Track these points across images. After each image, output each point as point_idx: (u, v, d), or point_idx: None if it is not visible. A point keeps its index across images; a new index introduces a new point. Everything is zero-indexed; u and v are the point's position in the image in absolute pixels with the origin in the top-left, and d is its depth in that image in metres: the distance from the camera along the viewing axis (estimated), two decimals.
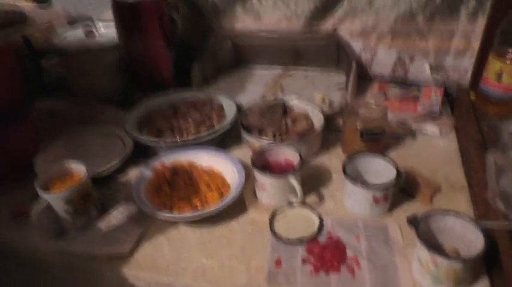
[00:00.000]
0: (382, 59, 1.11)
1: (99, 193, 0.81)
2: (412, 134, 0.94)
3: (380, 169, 0.75)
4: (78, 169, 0.76)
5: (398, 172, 0.72)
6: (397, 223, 0.71)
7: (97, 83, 1.12)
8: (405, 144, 0.92)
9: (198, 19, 1.24)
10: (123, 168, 0.88)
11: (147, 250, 0.71)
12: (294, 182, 0.72)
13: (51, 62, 1.19)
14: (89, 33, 1.14)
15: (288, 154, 0.79)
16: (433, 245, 0.63)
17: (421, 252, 0.59)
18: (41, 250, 0.73)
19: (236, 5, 1.20)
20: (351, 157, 0.76)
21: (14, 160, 0.87)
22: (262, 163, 0.79)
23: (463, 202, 0.75)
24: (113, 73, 1.11)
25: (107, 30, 1.15)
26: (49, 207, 0.72)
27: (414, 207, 0.75)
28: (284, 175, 0.73)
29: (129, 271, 0.68)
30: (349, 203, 0.75)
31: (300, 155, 0.76)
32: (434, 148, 0.91)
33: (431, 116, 0.98)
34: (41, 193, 0.71)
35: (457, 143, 0.91)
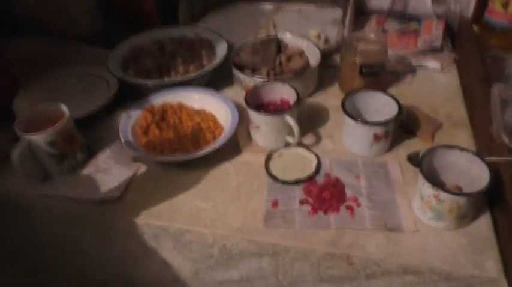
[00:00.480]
0: None
1: (85, 135, 0.76)
2: (413, 70, 0.90)
3: (380, 106, 0.72)
4: (60, 110, 0.71)
5: (400, 108, 0.68)
6: (397, 161, 0.69)
7: (73, 20, 1.03)
8: (405, 81, 0.88)
9: None
10: (109, 110, 0.83)
11: (138, 194, 0.68)
12: (290, 121, 0.68)
13: None
14: None
15: (283, 92, 0.75)
16: (436, 182, 0.61)
17: (424, 188, 0.57)
18: (25, 195, 0.70)
19: None
20: (349, 93, 0.72)
21: None
22: (257, 102, 0.75)
23: (465, 138, 0.73)
24: (89, 8, 1.03)
25: None
26: (30, 149, 0.68)
27: (415, 144, 0.72)
28: (280, 113, 0.69)
29: (120, 215, 0.65)
30: (348, 142, 0.71)
31: (297, 93, 0.71)
32: (436, 83, 0.87)
33: (432, 51, 0.93)
34: (20, 133, 0.67)
35: (459, 78, 0.88)
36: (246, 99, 0.71)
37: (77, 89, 0.89)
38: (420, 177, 0.57)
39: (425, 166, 0.59)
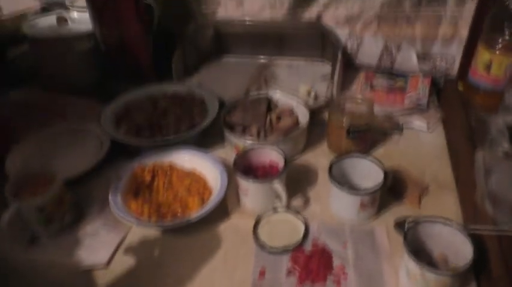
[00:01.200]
0: (369, 48, 1.07)
1: (74, 194, 0.77)
2: (399, 129, 0.92)
3: (367, 171, 0.73)
4: (51, 173, 0.72)
5: (386, 174, 0.69)
6: (384, 227, 0.70)
7: (70, 74, 1.06)
8: (392, 140, 0.90)
9: (179, 4, 1.17)
10: (100, 167, 0.84)
11: (124, 259, 0.68)
12: (278, 187, 0.69)
13: (22, 50, 1.12)
14: (62, 21, 1.07)
15: (272, 155, 0.76)
16: (421, 251, 0.61)
17: (409, 263, 0.57)
18: (11, 258, 0.69)
19: None
20: (336, 158, 0.73)
21: None
22: (245, 165, 0.76)
23: (451, 203, 0.74)
24: (86, 63, 1.06)
25: (80, 17, 1.08)
26: (20, 215, 0.68)
27: (402, 209, 0.73)
28: (268, 179, 0.70)
29: (105, 282, 0.65)
30: (335, 207, 0.72)
31: (285, 158, 0.73)
32: (422, 143, 0.89)
33: (418, 109, 0.95)
34: (10, 198, 0.67)
35: (445, 137, 0.89)
36: (234, 164, 0.72)
37: (70, 145, 0.90)
38: (405, 251, 0.57)
39: (411, 237, 0.59)
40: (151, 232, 0.72)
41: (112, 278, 0.65)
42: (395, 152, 0.86)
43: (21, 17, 1.09)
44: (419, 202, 0.73)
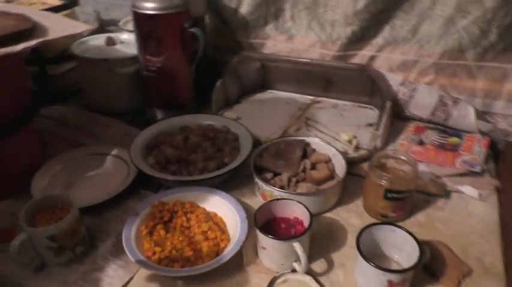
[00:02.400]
0: (422, 99, 0.99)
1: (90, 223, 0.76)
2: (446, 193, 0.82)
3: (401, 243, 0.65)
4: (68, 203, 0.70)
5: (422, 252, 0.61)
6: None
7: (110, 95, 1.07)
8: (436, 205, 0.81)
9: (226, 34, 1.16)
10: (122, 196, 0.81)
11: None
12: (298, 249, 0.63)
13: (70, 66, 1.14)
14: (110, 42, 1.08)
15: (297, 212, 0.70)
16: None
17: None
18: (18, 282, 0.68)
19: (267, 22, 1.12)
20: (367, 226, 0.66)
21: (12, 172, 0.82)
22: (268, 217, 0.71)
23: None
24: (128, 86, 1.06)
25: (129, 39, 1.09)
26: (30, 241, 0.66)
27: None
28: (288, 239, 0.64)
29: None
30: (359, 279, 0.65)
31: (311, 217, 0.67)
32: (471, 214, 0.79)
33: (471, 174, 0.85)
34: (23, 225, 0.66)
35: (499, 211, 0.79)
36: (255, 217, 0.67)
37: (98, 168, 0.89)
38: None
39: None
40: (160, 275, 0.68)
41: None
42: (438, 220, 0.77)
43: (75, 36, 1.11)
44: (458, 286, 0.64)
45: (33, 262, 0.69)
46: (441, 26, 0.95)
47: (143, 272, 0.68)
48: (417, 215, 0.78)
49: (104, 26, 1.33)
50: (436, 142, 0.94)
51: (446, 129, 0.98)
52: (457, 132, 0.96)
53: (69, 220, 0.67)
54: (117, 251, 0.72)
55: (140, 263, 0.65)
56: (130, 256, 0.66)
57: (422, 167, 0.87)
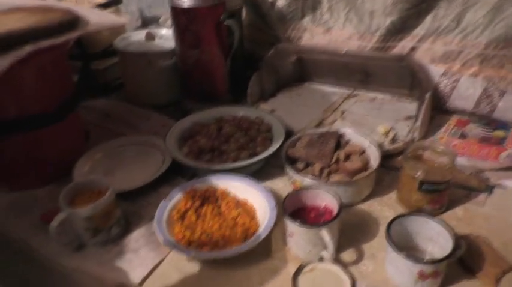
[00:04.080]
0: (465, 90, 0.95)
1: (126, 207, 0.79)
2: (488, 188, 0.78)
3: (434, 235, 0.62)
4: (104, 185, 0.73)
5: (456, 244, 0.59)
6: None
7: (150, 88, 1.10)
8: (477, 200, 0.77)
9: (263, 27, 1.16)
10: (157, 184, 0.84)
11: (158, 282, 0.66)
12: (325, 236, 0.62)
13: (114, 61, 1.19)
14: (149, 37, 1.12)
15: (327, 200, 0.69)
16: None
17: None
18: (58, 260, 0.72)
19: (304, 15, 1.11)
20: (399, 216, 0.64)
21: (57, 159, 0.87)
22: (298, 205, 0.70)
23: None
24: (166, 79, 1.09)
25: (168, 35, 1.12)
26: (69, 221, 0.70)
27: None
28: (315, 225, 0.63)
29: None
30: (390, 270, 0.63)
31: (340, 206, 0.65)
32: None
33: None
34: (62, 206, 0.70)
35: None
36: (283, 204, 0.67)
37: (136, 157, 0.92)
38: None
39: None
40: (189, 258, 0.69)
41: None
42: (478, 215, 0.73)
43: (117, 31, 1.16)
44: (497, 283, 0.61)
45: (72, 242, 0.72)
46: (487, 14, 0.91)
47: (173, 255, 0.70)
48: (455, 209, 0.75)
49: (147, 23, 1.38)
50: (479, 135, 0.90)
51: (491, 123, 0.93)
52: (503, 125, 0.91)
53: (105, 202, 0.70)
54: (150, 234, 0.74)
55: (169, 245, 0.67)
56: (160, 238, 0.68)
57: (463, 161, 0.83)
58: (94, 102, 1.14)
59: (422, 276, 0.58)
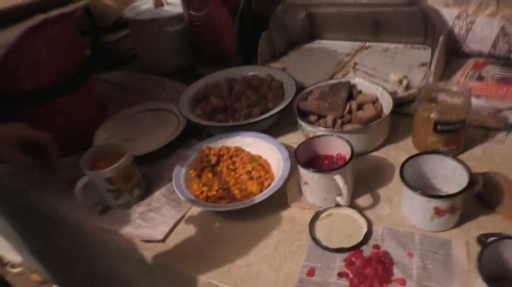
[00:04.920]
0: (481, 31, 0.92)
1: (147, 170, 0.81)
2: (507, 127, 0.76)
3: (450, 172, 0.62)
4: (123, 149, 0.75)
5: (472, 179, 0.58)
6: (465, 241, 0.59)
7: (161, 55, 1.11)
8: (496, 139, 0.75)
9: None
10: (174, 146, 0.86)
11: (180, 237, 0.69)
12: (339, 181, 0.62)
13: (124, 34, 1.20)
14: (158, 4, 1.12)
15: (340, 147, 0.69)
16: (505, 276, 0.50)
17: None
18: (85, 223, 0.75)
19: None
20: (412, 156, 0.63)
21: (75, 129, 0.89)
22: (310, 155, 0.71)
23: None
24: (176, 45, 1.10)
25: (175, 1, 1.12)
26: (92, 184, 0.73)
27: (493, 222, 0.61)
28: (328, 171, 0.64)
29: (160, 258, 0.66)
30: (406, 210, 0.63)
31: (352, 150, 0.65)
32: None
33: None
34: (83, 169, 0.72)
35: None
36: (295, 153, 0.67)
37: (153, 122, 0.94)
38: (478, 274, 0.47)
39: (490, 257, 0.49)
40: (209, 213, 0.71)
41: (166, 252, 0.67)
42: (497, 153, 0.72)
43: (125, 1, 1.16)
44: None
45: (97, 205, 0.75)
46: None
47: (193, 211, 0.72)
48: (473, 149, 0.74)
49: None
50: (497, 76, 0.87)
51: (509, 62, 0.90)
52: None
53: (124, 163, 0.72)
54: (170, 193, 0.76)
55: (189, 200, 0.69)
56: (180, 195, 0.70)
57: (481, 102, 0.81)
58: (109, 75, 1.16)
59: (438, 212, 0.58)
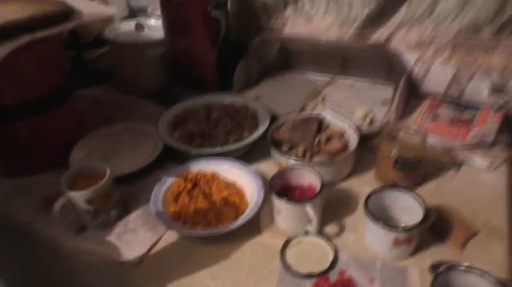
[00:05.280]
0: (437, 75, 1.02)
1: (123, 191, 0.83)
2: (457, 164, 0.85)
3: (407, 206, 0.69)
4: (103, 169, 0.78)
5: (427, 213, 0.66)
6: (418, 268, 0.66)
7: (141, 76, 1.14)
8: (447, 175, 0.84)
9: (248, 18, 1.21)
10: (151, 168, 0.89)
11: (155, 260, 0.71)
12: (310, 211, 0.68)
13: (103, 51, 1.23)
14: (139, 27, 1.15)
15: (311, 178, 0.75)
16: None
17: None
18: (61, 241, 0.77)
19: (287, 6, 1.16)
20: (376, 189, 0.70)
21: (53, 146, 0.91)
22: (284, 184, 0.76)
23: (499, 253, 0.67)
24: (156, 68, 1.13)
25: (157, 24, 1.16)
26: (71, 204, 0.74)
27: (443, 252, 0.68)
28: (300, 202, 0.69)
29: (134, 277, 0.69)
30: (369, 239, 0.70)
31: (322, 182, 0.72)
32: (480, 183, 0.82)
33: (482, 146, 0.88)
34: (64, 189, 0.74)
35: (508, 180, 0.82)
36: (270, 183, 0.73)
37: (129, 143, 0.97)
38: None
39: (440, 284, 0.56)
40: (185, 236, 0.75)
41: (141, 274, 0.69)
42: (448, 189, 0.81)
43: (108, 21, 1.19)
44: (463, 246, 0.68)
45: (74, 224, 0.77)
46: (458, 3, 0.97)
47: (169, 234, 0.75)
48: (428, 184, 0.82)
49: (134, 12, 1.40)
50: (449, 117, 0.97)
51: (460, 105, 1.00)
52: (471, 107, 0.98)
53: (104, 184, 0.75)
54: (147, 215, 0.79)
55: (166, 223, 0.72)
56: (157, 218, 0.73)
57: (434, 140, 0.90)
58: (86, 90, 1.18)
59: (397, 242, 0.64)
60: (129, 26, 1.18)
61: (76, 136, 0.95)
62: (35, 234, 0.80)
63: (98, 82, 1.23)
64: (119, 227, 0.78)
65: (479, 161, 0.85)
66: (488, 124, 0.92)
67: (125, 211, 0.81)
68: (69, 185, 0.76)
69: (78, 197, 0.74)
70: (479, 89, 0.97)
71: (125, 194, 0.83)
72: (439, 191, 0.80)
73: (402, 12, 1.04)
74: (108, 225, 0.78)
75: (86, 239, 0.76)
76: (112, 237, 0.76)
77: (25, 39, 0.75)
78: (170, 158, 0.92)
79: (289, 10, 1.16)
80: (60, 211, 0.73)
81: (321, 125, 0.91)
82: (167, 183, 0.81)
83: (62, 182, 0.74)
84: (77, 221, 0.77)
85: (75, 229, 0.77)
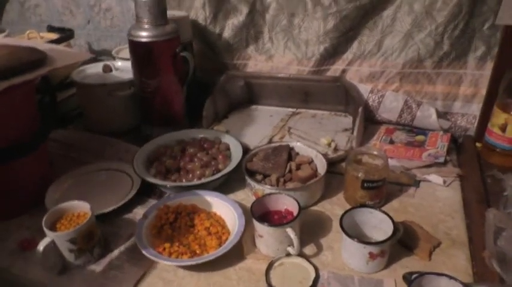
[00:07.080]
0: (389, 103, 1.12)
1: (104, 229, 0.84)
2: (416, 183, 0.94)
3: (378, 223, 0.76)
4: (84, 209, 0.79)
5: (396, 227, 0.72)
6: (393, 279, 0.71)
7: (110, 117, 1.16)
8: (408, 193, 0.92)
9: (212, 57, 1.28)
10: (129, 205, 0.90)
11: None
12: (291, 233, 0.73)
13: (69, 93, 1.24)
14: (107, 69, 1.18)
15: (287, 203, 0.81)
16: None
17: None
18: (45, 284, 0.76)
19: (249, 45, 1.24)
20: (349, 209, 0.77)
21: (26, 189, 0.90)
22: (263, 210, 0.81)
23: (462, 259, 0.75)
24: (126, 108, 1.16)
25: (124, 66, 1.19)
26: (54, 245, 0.75)
27: (412, 262, 0.75)
28: (281, 225, 0.74)
29: None
30: (346, 256, 0.75)
31: (299, 206, 0.77)
32: (438, 198, 0.90)
33: (436, 165, 0.98)
34: (47, 231, 0.74)
35: (461, 194, 0.91)
36: (251, 209, 0.77)
37: (105, 182, 0.98)
38: None
39: None
40: (171, 268, 0.77)
41: None
42: (410, 205, 0.88)
43: (73, 64, 1.21)
44: (430, 256, 0.75)
45: (56, 265, 0.77)
46: (401, 40, 1.09)
47: (155, 267, 0.77)
48: (392, 202, 0.90)
49: (96, 55, 1.43)
50: (404, 141, 1.06)
51: (412, 129, 1.11)
52: (422, 131, 1.09)
53: (87, 223, 0.76)
54: (130, 251, 0.80)
55: (154, 256, 0.74)
56: (144, 253, 0.75)
57: (393, 162, 0.99)
58: (53, 133, 1.17)
59: (372, 256, 0.70)
60: (95, 68, 1.21)
61: (48, 178, 0.96)
62: (13, 280, 0.78)
63: (64, 124, 1.23)
64: (103, 265, 0.78)
65: (435, 178, 0.94)
66: (439, 145, 1.02)
67: (106, 248, 0.82)
68: (50, 226, 0.76)
69: (62, 237, 0.74)
70: (428, 115, 1.08)
71: (107, 232, 0.84)
72: (402, 208, 0.88)
73: (354, 48, 1.15)
74: (92, 263, 0.78)
75: (71, 279, 0.76)
76: (97, 275, 0.76)
77: (2, 86, 0.76)
78: (146, 194, 0.94)
79: (251, 48, 1.24)
80: (44, 254, 0.73)
81: (290, 153, 0.97)
82: (149, 217, 0.83)
83: (44, 223, 0.75)
84: (59, 262, 0.77)
85: (57, 270, 0.77)
